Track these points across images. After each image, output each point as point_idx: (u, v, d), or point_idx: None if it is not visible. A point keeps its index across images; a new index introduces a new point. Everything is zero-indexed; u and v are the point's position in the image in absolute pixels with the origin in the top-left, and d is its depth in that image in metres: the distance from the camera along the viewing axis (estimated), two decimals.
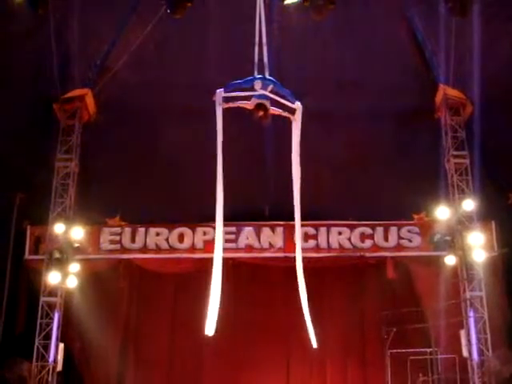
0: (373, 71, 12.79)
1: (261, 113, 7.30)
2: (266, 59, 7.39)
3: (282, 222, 13.38)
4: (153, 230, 13.45)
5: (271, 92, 7.24)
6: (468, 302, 12.12)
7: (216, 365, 13.24)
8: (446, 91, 12.89)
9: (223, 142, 7.23)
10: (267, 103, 7.28)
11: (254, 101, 7.29)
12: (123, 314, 13.38)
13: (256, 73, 7.36)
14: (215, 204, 12.61)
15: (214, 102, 7.27)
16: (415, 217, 13.53)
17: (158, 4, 10.43)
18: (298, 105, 7.40)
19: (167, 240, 13.39)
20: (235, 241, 13.28)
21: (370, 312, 13.26)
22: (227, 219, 12.55)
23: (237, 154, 7.35)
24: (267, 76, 7.33)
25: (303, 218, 13.25)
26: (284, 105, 7.32)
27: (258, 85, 7.24)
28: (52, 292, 12.40)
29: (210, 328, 6.77)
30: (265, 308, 13.50)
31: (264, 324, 13.42)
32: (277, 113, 7.34)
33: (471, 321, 11.96)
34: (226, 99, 7.33)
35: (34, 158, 12.90)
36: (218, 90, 7.26)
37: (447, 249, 12.39)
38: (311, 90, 12.29)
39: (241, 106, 7.33)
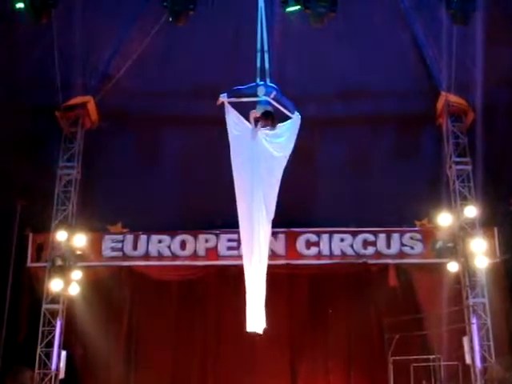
0: (374, 78, 12.81)
1: (268, 121, 7.31)
2: (267, 66, 7.43)
3: (283, 229, 13.34)
4: (155, 237, 13.44)
5: (273, 99, 7.26)
6: (471, 309, 12.08)
7: (219, 371, 13.18)
8: (448, 98, 12.86)
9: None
10: (273, 110, 7.30)
11: (261, 108, 7.30)
12: (125, 321, 13.33)
13: (258, 79, 7.40)
14: (218, 211, 12.59)
15: (216, 109, 7.30)
16: (417, 223, 13.52)
17: (161, 12, 10.46)
18: (297, 116, 7.44)
19: (169, 247, 13.39)
20: (237, 248, 13.25)
21: (373, 319, 13.20)
22: (228, 226, 12.57)
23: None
24: (269, 83, 7.37)
25: (305, 225, 13.42)
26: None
27: (261, 91, 7.26)
28: (54, 299, 12.36)
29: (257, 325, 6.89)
30: (268, 314, 13.43)
31: (268, 330, 13.35)
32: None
33: (474, 327, 11.92)
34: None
35: (36, 165, 12.90)
36: (221, 95, 7.29)
37: (449, 255, 12.36)
38: (312, 96, 12.33)
39: (251, 118, 7.32)
